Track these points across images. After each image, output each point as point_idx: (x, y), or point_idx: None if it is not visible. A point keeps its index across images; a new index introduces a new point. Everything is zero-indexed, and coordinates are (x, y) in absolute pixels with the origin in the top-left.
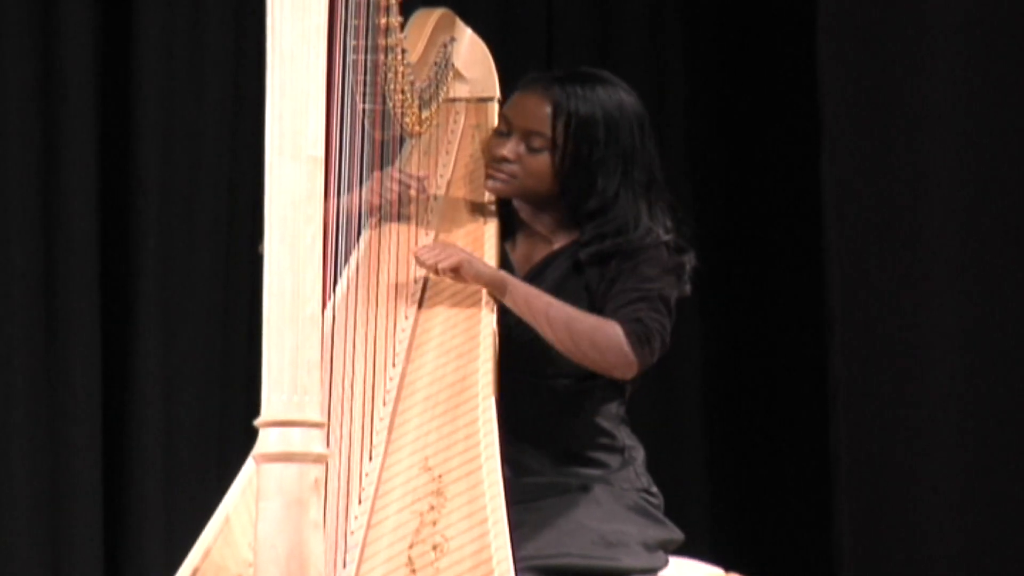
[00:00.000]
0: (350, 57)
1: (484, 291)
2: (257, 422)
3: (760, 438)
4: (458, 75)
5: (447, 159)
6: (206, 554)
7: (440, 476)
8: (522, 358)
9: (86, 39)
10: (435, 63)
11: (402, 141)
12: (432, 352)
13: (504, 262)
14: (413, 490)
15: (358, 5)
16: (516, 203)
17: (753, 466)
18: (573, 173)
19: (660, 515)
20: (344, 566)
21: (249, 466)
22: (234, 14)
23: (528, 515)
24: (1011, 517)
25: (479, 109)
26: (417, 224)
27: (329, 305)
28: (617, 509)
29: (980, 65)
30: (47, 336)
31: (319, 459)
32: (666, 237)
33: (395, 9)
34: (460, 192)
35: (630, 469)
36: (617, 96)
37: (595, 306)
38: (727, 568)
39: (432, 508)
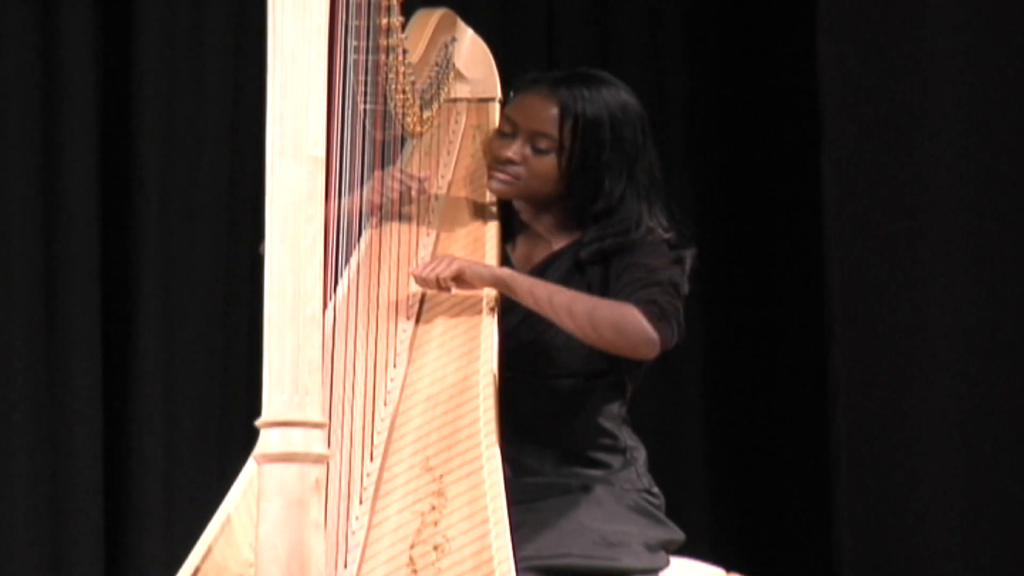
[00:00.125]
0: (351, 57)
1: (484, 292)
2: (258, 422)
3: (760, 438)
4: (459, 75)
5: (448, 159)
6: (207, 554)
7: (441, 476)
8: (523, 358)
9: (86, 39)
10: (436, 63)
11: (403, 141)
12: (433, 352)
13: (504, 262)
14: (414, 490)
15: (359, 5)
16: (517, 204)
17: (753, 466)
18: (580, 175)
19: (661, 515)
20: (345, 566)
21: (250, 466)
22: (234, 14)
23: (529, 515)
24: (1011, 517)
25: (480, 109)
26: (418, 224)
27: (330, 305)
28: (618, 509)
29: (980, 65)
30: (47, 336)
31: (320, 459)
32: (666, 235)
33: (396, 9)
34: (461, 192)
35: (631, 469)
36: (621, 97)
37: None
38: (728, 568)
39: (433, 508)
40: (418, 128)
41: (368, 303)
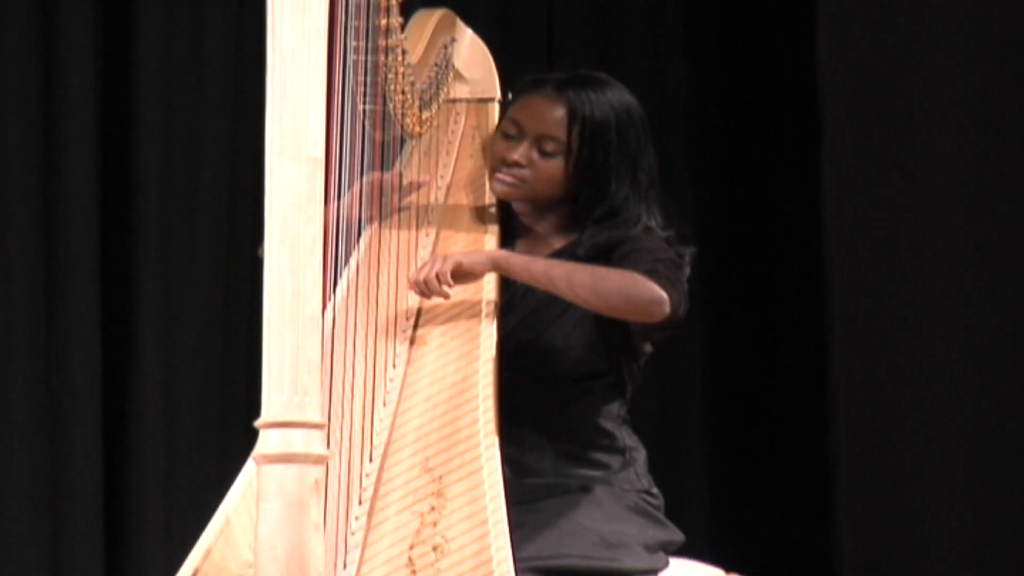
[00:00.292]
0: (350, 58)
1: (484, 292)
2: (257, 423)
3: (760, 438)
4: (458, 76)
5: (447, 160)
6: (206, 555)
7: (440, 477)
8: (523, 358)
9: (86, 39)
10: (435, 64)
11: (402, 142)
12: (433, 353)
13: None
14: (414, 491)
15: (358, 6)
16: (518, 206)
17: (753, 466)
18: (586, 178)
19: (661, 516)
20: (344, 567)
21: (249, 467)
22: (234, 15)
23: (529, 516)
24: (1011, 517)
25: (480, 110)
26: (417, 225)
27: (329, 306)
28: (618, 510)
29: (980, 65)
30: (47, 336)
31: (319, 460)
32: (663, 233)
33: (395, 10)
34: (460, 193)
35: (631, 470)
36: (625, 99)
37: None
38: (727, 569)
39: (433, 509)
40: (417, 129)
41: (367, 304)
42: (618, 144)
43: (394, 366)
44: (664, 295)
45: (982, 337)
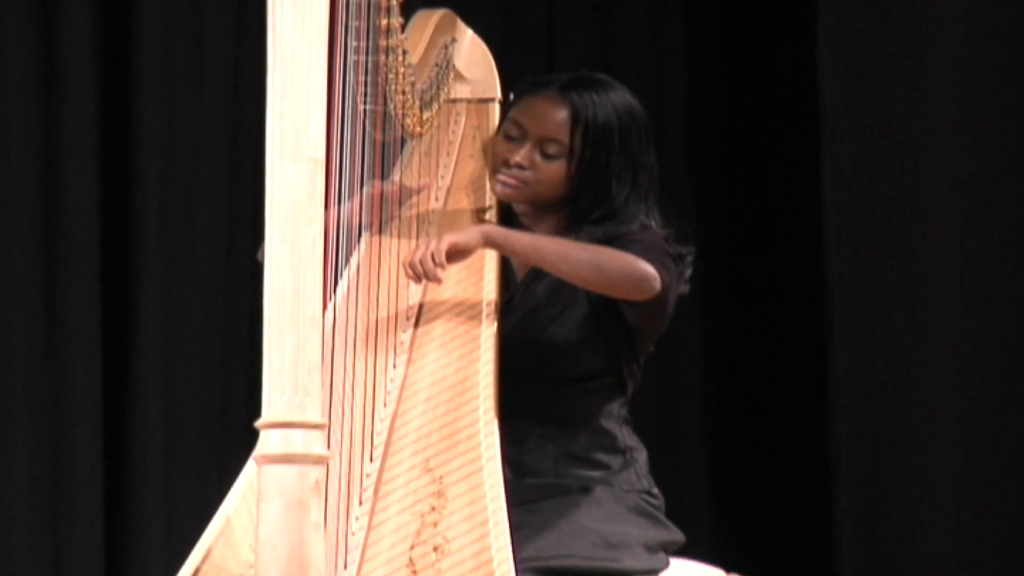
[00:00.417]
0: (351, 58)
1: (484, 292)
2: (258, 423)
3: (760, 438)
4: (459, 76)
5: (448, 160)
6: (207, 555)
7: (441, 477)
8: (523, 358)
9: (86, 39)
10: (436, 64)
11: (403, 142)
12: (433, 353)
13: (504, 264)
14: (414, 491)
15: (359, 6)
16: (518, 207)
17: (753, 466)
18: (588, 180)
19: (661, 516)
20: (345, 567)
21: (250, 467)
22: (234, 14)
23: (529, 516)
24: (1010, 517)
25: (480, 110)
26: (418, 225)
27: (330, 306)
28: (618, 510)
29: (980, 66)
30: (47, 336)
31: (320, 460)
32: (662, 232)
33: (396, 10)
34: (461, 193)
35: (631, 470)
36: (627, 102)
37: (594, 306)
38: (727, 569)
39: (433, 509)
40: (418, 129)
41: (368, 304)
42: (620, 147)
43: (394, 366)
44: (654, 272)
45: (982, 337)
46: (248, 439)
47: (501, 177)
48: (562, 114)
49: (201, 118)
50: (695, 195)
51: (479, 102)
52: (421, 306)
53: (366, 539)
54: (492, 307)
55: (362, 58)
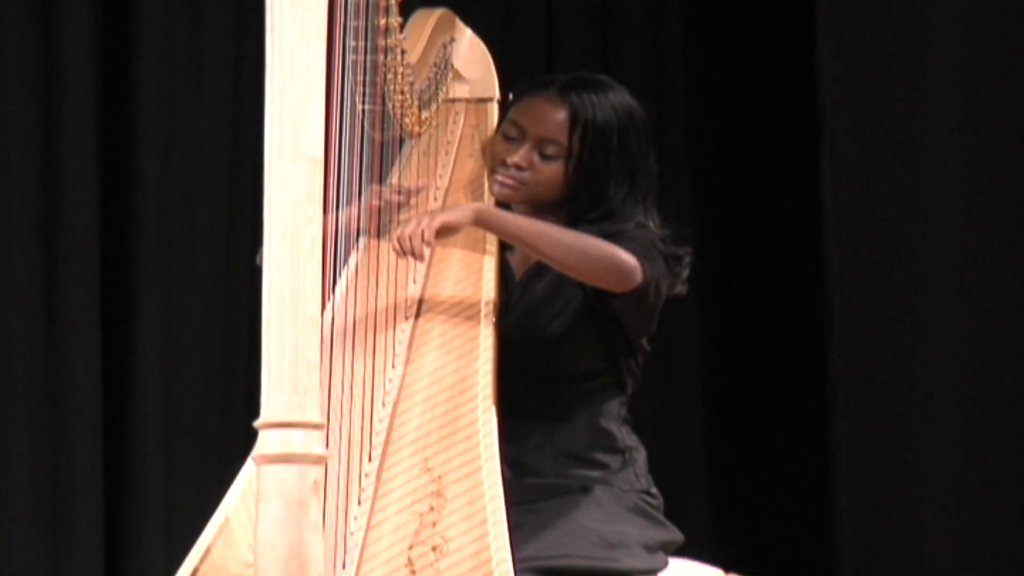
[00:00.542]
0: (350, 58)
1: (484, 291)
2: (257, 423)
3: (760, 438)
4: (458, 75)
5: (446, 160)
6: (206, 555)
7: (440, 477)
8: (522, 358)
9: (86, 39)
10: (435, 64)
11: (401, 142)
12: (432, 353)
13: (503, 264)
14: (413, 491)
15: (358, 6)
16: (517, 206)
17: (753, 466)
18: (586, 181)
19: (660, 516)
20: (344, 567)
21: (249, 467)
22: (234, 14)
23: (528, 516)
24: (1010, 517)
25: (479, 110)
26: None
27: (329, 306)
28: (617, 510)
29: (980, 66)
30: (47, 336)
31: (319, 460)
32: (660, 232)
33: (394, 10)
34: (459, 192)
35: (630, 470)
36: (627, 103)
37: (589, 301)
38: (727, 569)
39: (432, 509)
40: (417, 128)
41: (367, 303)
42: (618, 148)
43: (393, 366)
44: (636, 264)
45: (982, 337)
46: (247, 439)
47: (499, 177)
48: (561, 115)
49: (201, 118)
50: (695, 195)
51: (478, 102)
52: (420, 305)
53: (365, 539)
54: (491, 307)
55: (361, 58)
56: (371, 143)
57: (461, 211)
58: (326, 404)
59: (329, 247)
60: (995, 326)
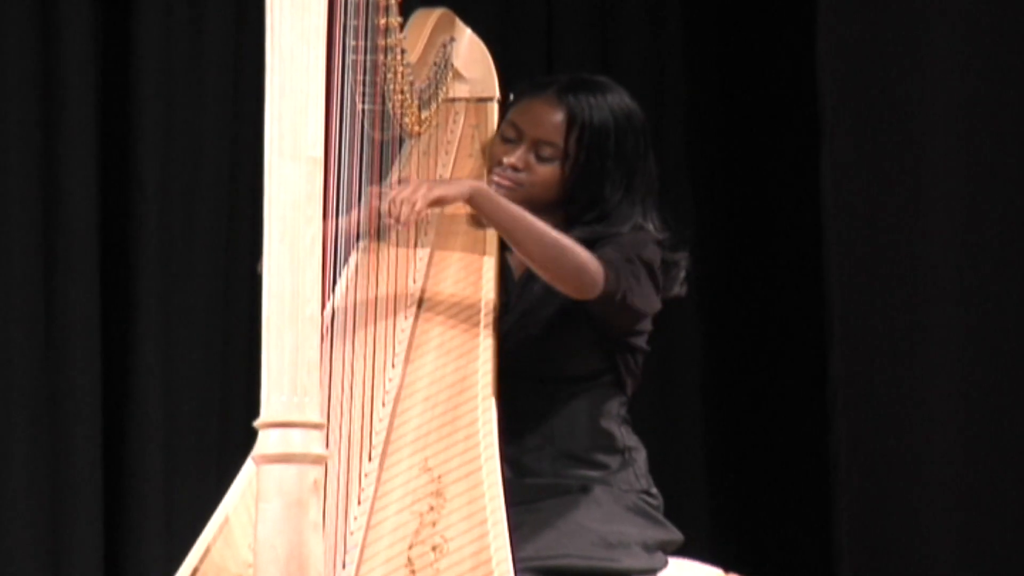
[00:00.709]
0: (349, 57)
1: (483, 291)
2: (257, 423)
3: (760, 438)
4: (457, 75)
5: (446, 159)
6: (205, 554)
7: (440, 477)
8: (522, 358)
9: (86, 39)
10: (434, 63)
11: (401, 141)
12: (432, 353)
13: (503, 264)
14: (413, 491)
15: (357, 5)
16: None
17: (753, 466)
18: (582, 183)
19: (659, 516)
20: (344, 567)
21: (249, 467)
22: (234, 14)
23: (528, 516)
24: (1011, 517)
25: (479, 109)
26: (416, 224)
27: (328, 306)
28: (617, 510)
29: (980, 65)
30: (47, 336)
31: (319, 460)
32: (659, 235)
33: (394, 9)
34: None
35: (630, 470)
36: (626, 105)
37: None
38: (726, 569)
39: (432, 509)
40: (416, 128)
41: (367, 303)
42: (615, 150)
43: (393, 366)
44: (601, 275)
45: (982, 337)
46: (247, 439)
47: (495, 178)
48: (558, 117)
49: (201, 118)
50: (695, 195)
51: (478, 101)
52: (420, 305)
53: (365, 539)
54: (491, 307)
55: (361, 57)
56: (371, 143)
57: (458, 186)
58: (326, 404)
59: (329, 248)
60: (995, 326)
